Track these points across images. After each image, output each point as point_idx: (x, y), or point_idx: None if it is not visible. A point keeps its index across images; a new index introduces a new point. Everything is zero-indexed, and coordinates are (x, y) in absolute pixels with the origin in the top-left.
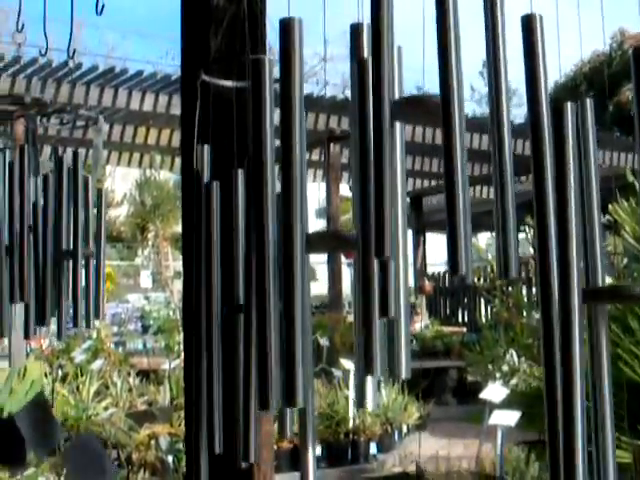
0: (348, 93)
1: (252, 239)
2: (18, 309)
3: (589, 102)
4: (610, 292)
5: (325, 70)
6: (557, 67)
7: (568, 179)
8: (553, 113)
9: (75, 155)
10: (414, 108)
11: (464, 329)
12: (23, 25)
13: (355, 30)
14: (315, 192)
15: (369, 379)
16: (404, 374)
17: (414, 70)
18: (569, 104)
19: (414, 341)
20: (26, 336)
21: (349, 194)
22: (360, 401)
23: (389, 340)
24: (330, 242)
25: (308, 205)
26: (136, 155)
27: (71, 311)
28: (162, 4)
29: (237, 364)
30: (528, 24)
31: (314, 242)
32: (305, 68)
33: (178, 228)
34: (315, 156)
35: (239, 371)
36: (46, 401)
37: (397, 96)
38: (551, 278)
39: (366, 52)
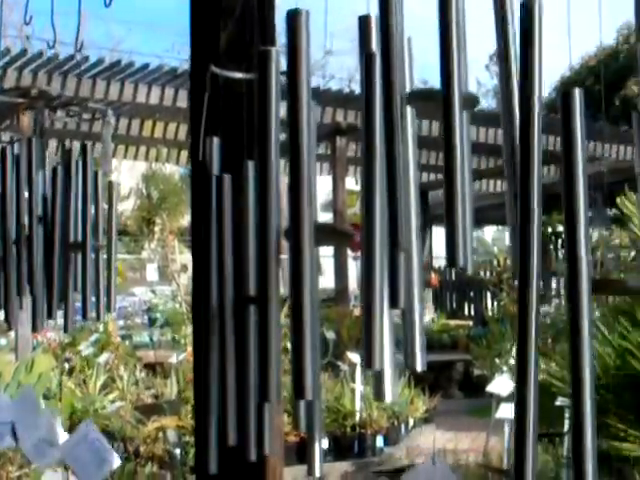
0: (354, 86)
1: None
2: (25, 302)
3: (579, 92)
4: (619, 284)
5: (329, 64)
6: (563, 62)
7: (576, 169)
8: (561, 99)
9: (84, 148)
10: (424, 102)
11: (470, 323)
12: (31, 17)
13: (363, 22)
14: (321, 185)
15: (387, 371)
16: (419, 366)
17: (421, 65)
18: (577, 90)
19: None
20: (34, 329)
21: (355, 188)
22: (378, 394)
23: (403, 332)
24: (334, 236)
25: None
26: (142, 148)
27: (80, 304)
28: None
29: (248, 356)
30: (527, 11)
31: (321, 235)
32: (311, 62)
33: (184, 221)
34: (321, 149)
35: (249, 363)
36: None
37: (408, 88)
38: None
39: (375, 44)
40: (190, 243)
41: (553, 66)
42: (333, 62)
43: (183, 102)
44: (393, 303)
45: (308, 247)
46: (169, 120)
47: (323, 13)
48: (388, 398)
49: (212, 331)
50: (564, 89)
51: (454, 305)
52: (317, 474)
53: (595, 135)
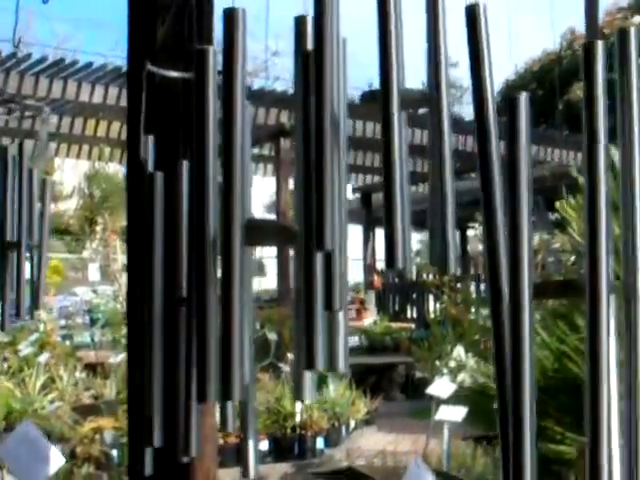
0: None
1: (194, 230)
2: None
3: (525, 96)
4: (558, 286)
5: (274, 65)
6: (508, 66)
7: (519, 171)
8: (506, 104)
9: (20, 146)
10: (369, 104)
11: (413, 325)
12: None
13: (299, 22)
14: (266, 187)
15: (307, 372)
16: (342, 368)
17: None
18: (523, 94)
19: (362, 336)
20: None
21: None
22: (298, 394)
23: (328, 334)
24: (272, 235)
25: (253, 198)
26: (85, 147)
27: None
28: None
29: (179, 357)
30: (472, 14)
31: (256, 234)
32: (256, 63)
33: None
34: (265, 151)
35: (181, 364)
36: None
37: (342, 89)
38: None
39: (310, 45)
40: None
41: (497, 70)
42: (279, 63)
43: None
44: (327, 305)
45: (239, 246)
46: (112, 119)
47: (270, 14)
48: (307, 399)
49: (146, 331)
50: (508, 93)
51: (397, 307)
52: (252, 475)
53: (538, 139)
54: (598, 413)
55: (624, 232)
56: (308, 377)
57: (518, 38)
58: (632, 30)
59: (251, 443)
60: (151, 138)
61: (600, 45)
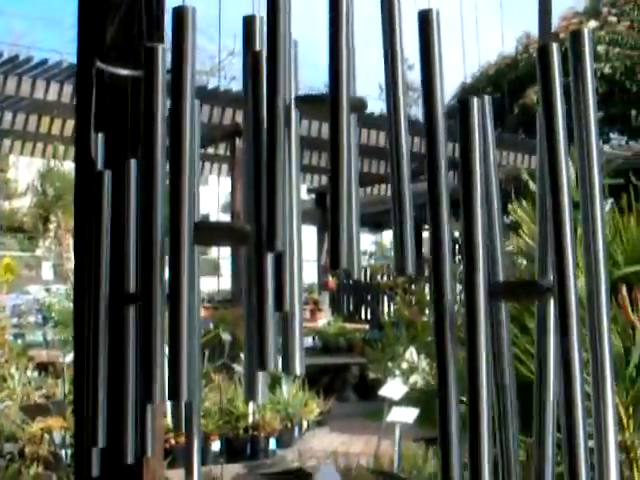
0: None
1: (142, 229)
2: None
3: (487, 99)
4: (515, 287)
5: (231, 65)
6: (463, 69)
7: (474, 173)
8: (460, 107)
9: None
10: (316, 107)
11: (367, 326)
12: None
13: (248, 22)
14: (221, 187)
15: (258, 373)
16: (298, 370)
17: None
18: (475, 99)
19: (316, 337)
20: None
21: None
22: (250, 395)
23: (283, 335)
24: (224, 235)
25: (210, 198)
26: (40, 145)
27: None
28: None
29: (127, 357)
30: (424, 19)
31: (208, 234)
32: (213, 62)
33: None
34: (221, 151)
35: (129, 363)
36: None
37: (293, 90)
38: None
39: (259, 45)
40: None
41: (453, 74)
42: (235, 63)
43: None
44: (278, 306)
45: (187, 247)
46: (67, 117)
47: (226, 15)
48: (259, 399)
49: (92, 331)
50: (462, 97)
51: (351, 308)
52: (195, 477)
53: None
54: (573, 414)
55: (584, 235)
56: (259, 377)
57: (474, 41)
58: (585, 32)
59: (196, 444)
60: (101, 136)
61: (555, 47)
